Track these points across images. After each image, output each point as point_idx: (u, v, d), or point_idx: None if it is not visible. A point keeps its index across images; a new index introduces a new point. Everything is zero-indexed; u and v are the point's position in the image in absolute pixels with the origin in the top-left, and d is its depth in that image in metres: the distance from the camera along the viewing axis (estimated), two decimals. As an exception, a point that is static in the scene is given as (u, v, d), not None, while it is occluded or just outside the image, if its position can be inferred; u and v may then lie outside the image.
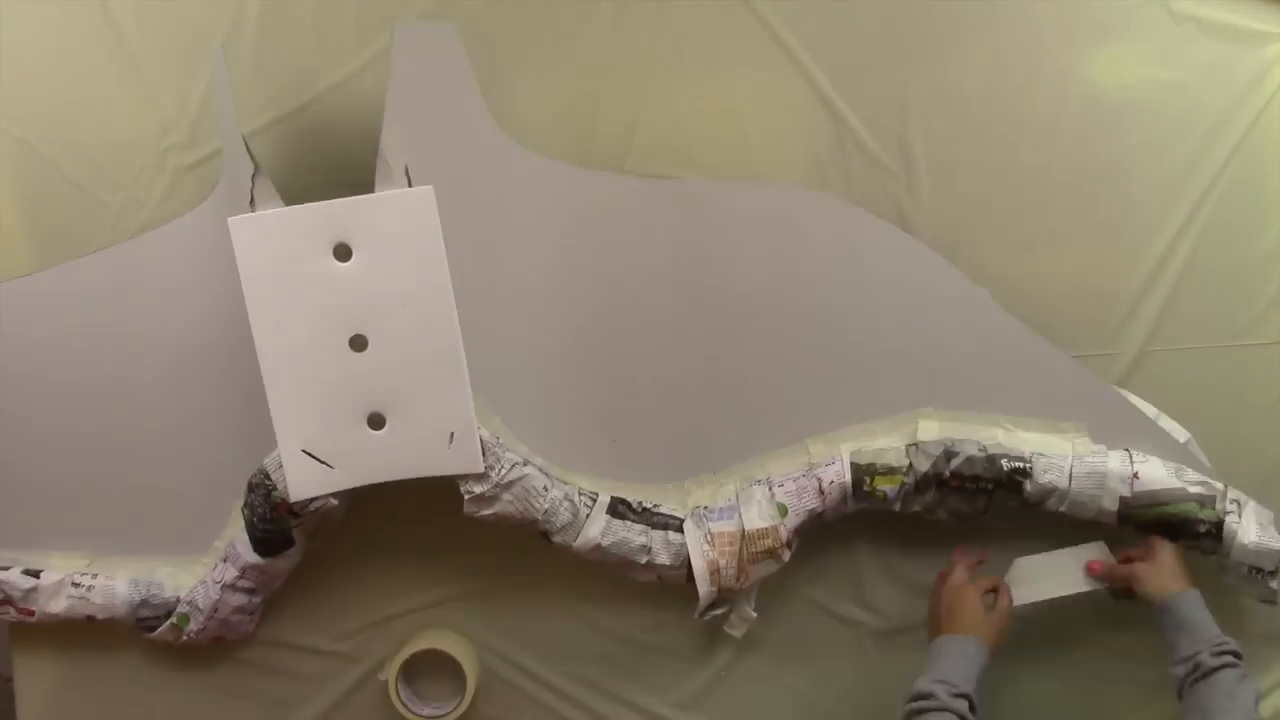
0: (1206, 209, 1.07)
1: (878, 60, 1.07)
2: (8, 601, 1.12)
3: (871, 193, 1.08)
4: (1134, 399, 1.07)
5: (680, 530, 1.06)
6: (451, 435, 0.99)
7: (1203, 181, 1.06)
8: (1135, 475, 1.01)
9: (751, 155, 1.08)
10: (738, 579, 1.05)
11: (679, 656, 1.15)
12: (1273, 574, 1.01)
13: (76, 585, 1.11)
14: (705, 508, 1.08)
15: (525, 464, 1.03)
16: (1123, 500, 1.02)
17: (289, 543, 1.07)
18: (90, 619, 1.12)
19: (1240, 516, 1.01)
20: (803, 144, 1.08)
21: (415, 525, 1.11)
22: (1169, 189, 1.07)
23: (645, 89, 1.08)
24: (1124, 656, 1.11)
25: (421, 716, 1.13)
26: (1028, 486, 1.03)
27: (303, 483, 1.00)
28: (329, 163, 1.08)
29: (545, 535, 1.05)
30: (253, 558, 1.07)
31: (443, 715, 1.13)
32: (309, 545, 1.09)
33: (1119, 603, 1.05)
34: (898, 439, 1.06)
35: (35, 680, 1.19)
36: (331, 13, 1.07)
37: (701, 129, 1.08)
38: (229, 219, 0.96)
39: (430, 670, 1.15)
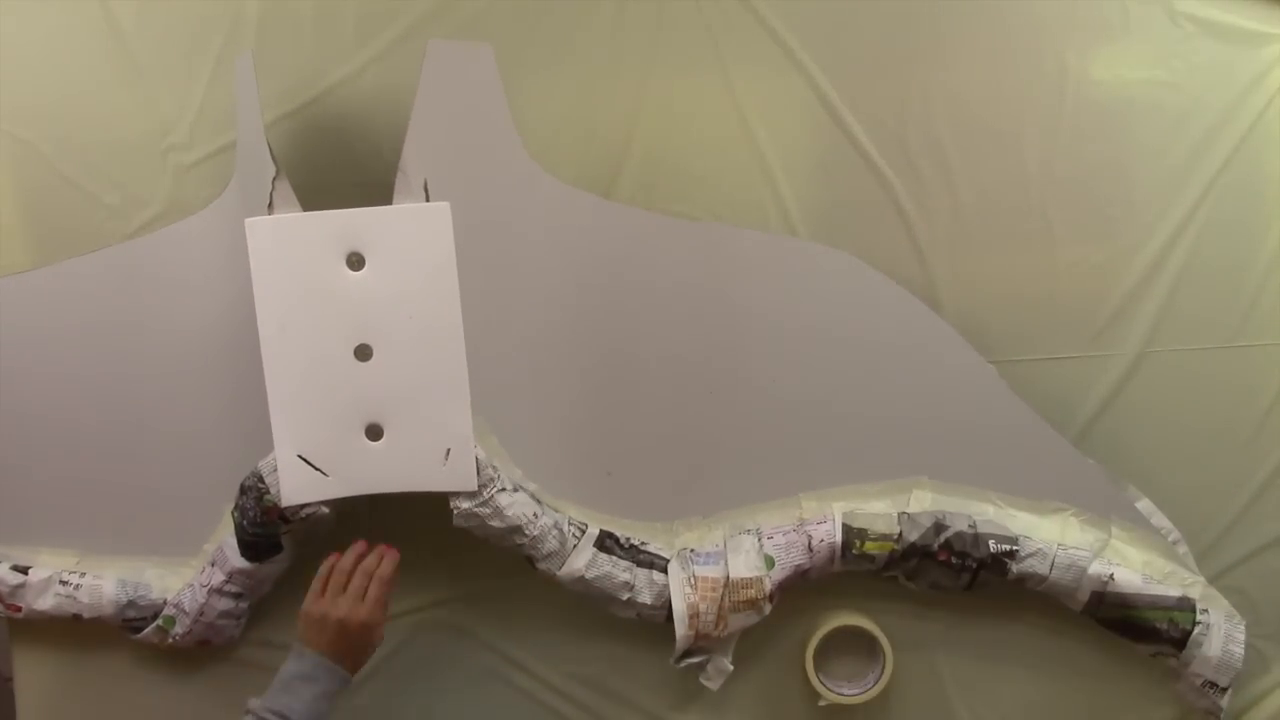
0: (1206, 209, 1.06)
1: (878, 60, 1.07)
2: None
3: (870, 193, 1.08)
4: (1132, 490, 1.08)
5: (665, 570, 1.06)
6: (447, 452, 0.99)
7: (1202, 181, 1.06)
8: (1111, 577, 1.03)
9: (751, 157, 1.08)
10: (716, 626, 1.05)
11: (679, 656, 1.15)
12: (1225, 690, 1.03)
13: (64, 583, 1.12)
14: (692, 550, 1.08)
15: (517, 489, 1.03)
16: (1094, 594, 1.04)
17: (277, 549, 1.07)
18: (77, 618, 1.12)
19: (1208, 629, 1.03)
20: (803, 144, 1.08)
21: (415, 525, 1.10)
22: (1168, 189, 1.07)
23: (645, 90, 1.08)
24: (1124, 656, 1.11)
25: (843, 695, 1.11)
26: (1013, 569, 1.04)
27: (296, 488, 1.01)
28: (328, 162, 1.08)
29: (530, 560, 1.05)
30: (240, 562, 1.07)
31: (863, 693, 1.11)
32: (298, 552, 1.09)
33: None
34: (890, 505, 1.06)
35: (35, 680, 1.20)
36: (331, 13, 1.07)
37: (702, 130, 1.08)
38: (246, 220, 0.96)
39: (836, 649, 1.13)
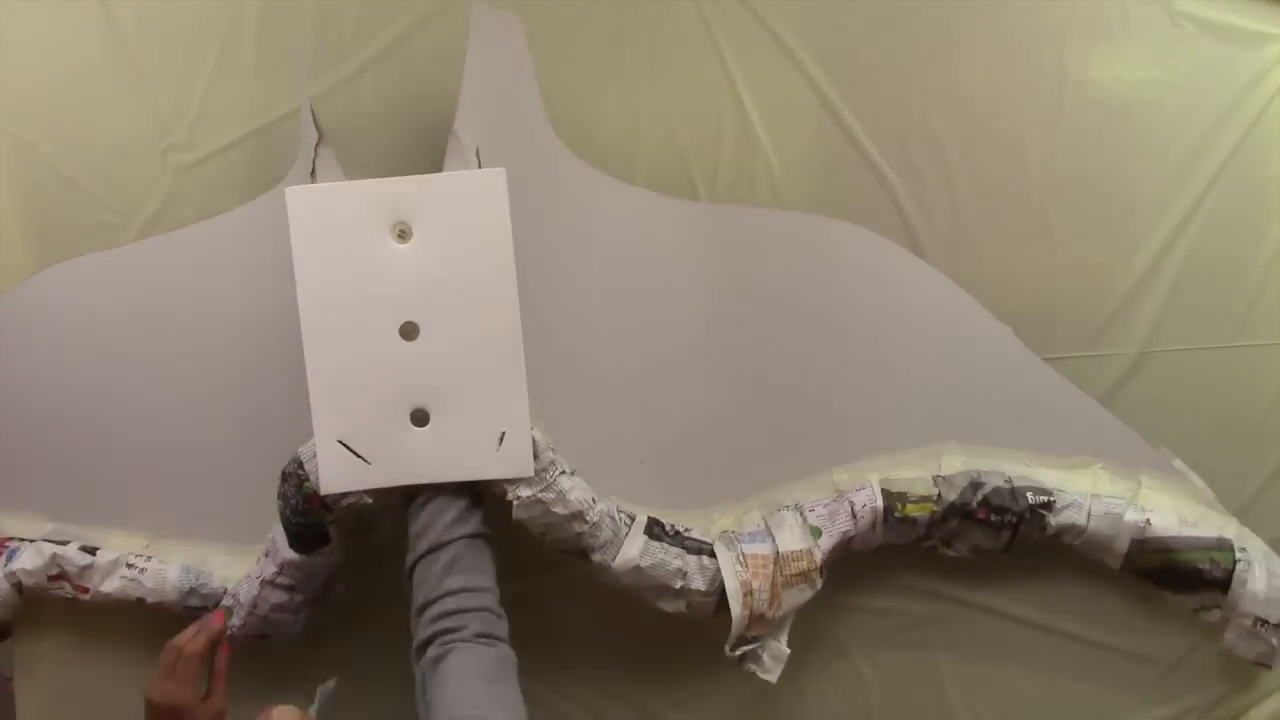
0: (1206, 209, 1.07)
1: (878, 60, 1.07)
2: (63, 577, 1.11)
3: (871, 193, 1.08)
4: (1165, 451, 1.08)
5: (713, 555, 1.03)
6: (502, 436, 0.94)
7: (1202, 181, 1.06)
8: (1148, 521, 1.02)
9: (752, 157, 1.08)
10: (770, 604, 1.02)
11: (679, 657, 1.15)
12: (1277, 627, 1.02)
13: (130, 566, 1.10)
14: (733, 532, 1.05)
15: (574, 472, 0.98)
16: (1133, 542, 1.03)
17: (324, 539, 1.02)
18: (141, 601, 1.11)
19: (1250, 565, 1.02)
20: (803, 144, 1.08)
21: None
22: (1168, 189, 1.07)
23: (644, 90, 1.08)
24: (1124, 656, 1.11)
25: None
26: (1050, 522, 1.03)
27: (335, 475, 0.95)
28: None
29: (584, 553, 1.00)
30: (289, 553, 1.03)
31: None
32: (349, 543, 1.05)
33: (1116, 604, 1.06)
34: (923, 470, 1.05)
35: (35, 680, 1.19)
36: (331, 13, 1.07)
37: (701, 130, 1.08)
38: (285, 189, 0.92)
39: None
